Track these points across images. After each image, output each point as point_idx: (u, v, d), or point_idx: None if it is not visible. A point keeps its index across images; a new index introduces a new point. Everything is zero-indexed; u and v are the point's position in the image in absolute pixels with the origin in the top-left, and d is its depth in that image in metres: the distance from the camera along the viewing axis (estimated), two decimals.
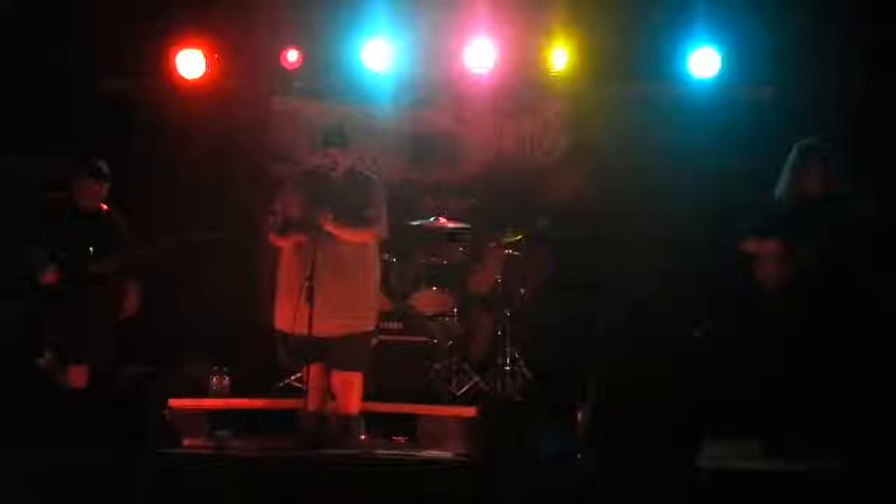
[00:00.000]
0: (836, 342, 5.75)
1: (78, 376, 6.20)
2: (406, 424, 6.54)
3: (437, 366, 7.00)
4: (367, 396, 6.30)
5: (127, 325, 6.47)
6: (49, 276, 6.16)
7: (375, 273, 6.23)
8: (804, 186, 5.95)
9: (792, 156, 6.01)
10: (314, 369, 6.09)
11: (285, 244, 6.12)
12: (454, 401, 6.80)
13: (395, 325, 7.04)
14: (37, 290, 6.17)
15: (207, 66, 7.62)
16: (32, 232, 6.27)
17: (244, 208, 7.38)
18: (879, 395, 5.78)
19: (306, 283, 5.78)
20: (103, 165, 6.36)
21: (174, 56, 7.57)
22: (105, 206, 6.41)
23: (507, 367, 7.02)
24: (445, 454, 5.73)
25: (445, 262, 7.13)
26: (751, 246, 6.03)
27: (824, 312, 5.76)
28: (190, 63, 7.58)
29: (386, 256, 6.99)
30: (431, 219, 7.25)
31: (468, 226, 7.33)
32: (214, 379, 6.87)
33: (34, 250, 6.21)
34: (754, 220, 6.05)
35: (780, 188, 6.03)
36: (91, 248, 6.24)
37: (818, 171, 5.93)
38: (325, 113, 7.79)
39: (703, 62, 7.40)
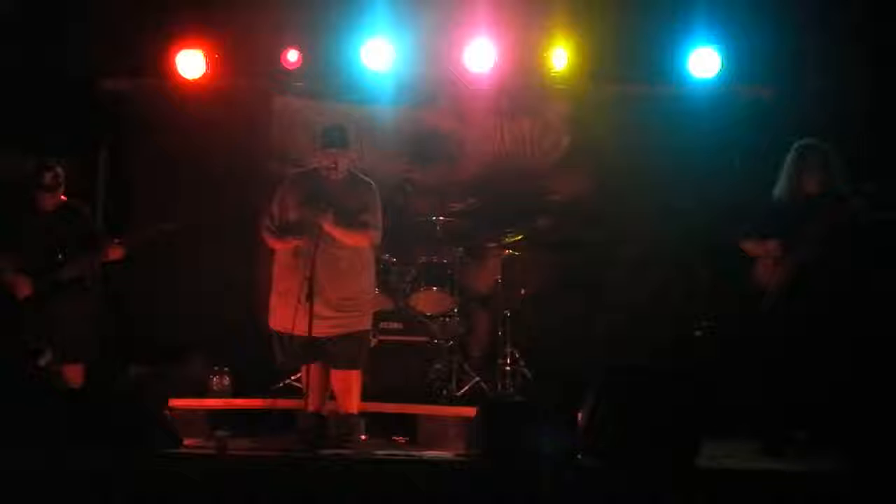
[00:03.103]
0: (835, 342, 5.75)
1: (74, 375, 6.20)
2: (406, 424, 6.54)
3: (437, 366, 7.00)
4: (367, 396, 6.31)
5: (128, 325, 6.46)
6: (24, 289, 6.14)
7: (371, 274, 6.24)
8: (803, 186, 5.96)
9: (791, 156, 6.02)
10: (313, 369, 6.10)
11: (281, 246, 6.11)
12: (454, 401, 6.79)
13: (395, 325, 7.04)
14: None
15: (207, 66, 7.61)
16: None
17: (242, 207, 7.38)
18: (879, 394, 5.78)
19: (306, 283, 5.78)
20: (52, 176, 6.26)
21: (174, 56, 7.56)
22: (64, 198, 6.36)
23: (507, 367, 7.02)
24: (445, 454, 5.72)
25: (445, 262, 7.13)
26: (751, 246, 6.04)
27: (824, 312, 5.76)
28: (190, 63, 7.57)
29: (386, 256, 6.99)
30: (431, 219, 7.25)
31: (468, 225, 7.33)
32: (214, 379, 6.88)
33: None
34: (754, 221, 6.05)
35: (780, 188, 6.03)
36: (60, 252, 6.18)
37: (817, 171, 5.93)
38: (325, 113, 7.77)
39: (703, 62, 7.40)
